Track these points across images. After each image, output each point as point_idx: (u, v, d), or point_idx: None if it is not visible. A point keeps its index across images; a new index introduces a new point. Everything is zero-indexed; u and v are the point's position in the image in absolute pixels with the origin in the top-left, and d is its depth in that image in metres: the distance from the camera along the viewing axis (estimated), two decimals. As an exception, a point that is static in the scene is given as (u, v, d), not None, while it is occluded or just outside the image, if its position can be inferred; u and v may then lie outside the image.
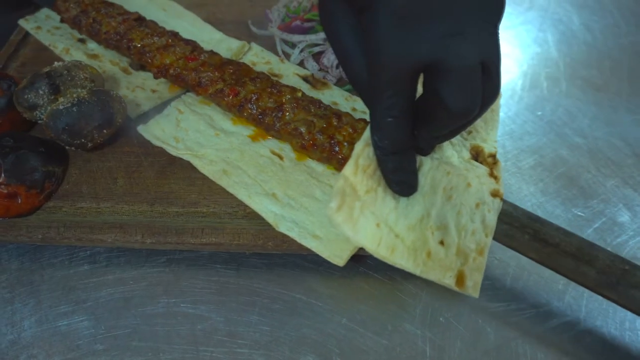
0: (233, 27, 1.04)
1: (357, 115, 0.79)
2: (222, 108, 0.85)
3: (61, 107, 0.76)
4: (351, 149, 0.71)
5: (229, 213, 0.73)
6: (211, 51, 0.90)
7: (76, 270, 0.74)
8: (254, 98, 0.79)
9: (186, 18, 1.02)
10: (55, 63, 0.80)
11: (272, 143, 0.80)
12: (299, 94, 0.80)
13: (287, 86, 0.81)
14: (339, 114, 0.76)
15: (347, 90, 0.88)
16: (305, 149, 0.76)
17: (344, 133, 0.73)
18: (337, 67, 0.91)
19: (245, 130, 0.82)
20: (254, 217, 0.72)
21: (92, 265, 0.75)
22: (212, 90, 0.83)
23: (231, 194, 0.75)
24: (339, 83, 0.91)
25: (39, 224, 0.72)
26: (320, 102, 0.79)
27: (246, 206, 0.73)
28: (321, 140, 0.74)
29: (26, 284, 0.73)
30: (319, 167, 0.77)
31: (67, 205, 0.75)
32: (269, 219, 0.70)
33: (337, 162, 0.74)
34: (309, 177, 0.75)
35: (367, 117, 0.79)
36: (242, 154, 0.78)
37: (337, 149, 0.73)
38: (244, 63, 0.86)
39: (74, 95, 0.77)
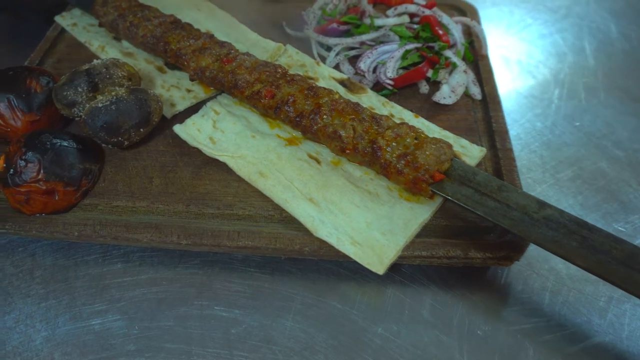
0: (267, 28, 1.03)
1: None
2: (258, 110, 0.84)
3: (100, 105, 0.76)
4: (394, 154, 0.71)
5: (265, 217, 0.73)
6: (247, 53, 0.90)
7: (110, 268, 0.74)
8: (291, 100, 0.79)
9: (221, 18, 1.02)
10: (95, 61, 0.80)
11: (309, 146, 0.79)
12: (336, 96, 0.79)
13: (324, 88, 0.80)
14: (378, 118, 0.75)
15: (383, 95, 0.87)
16: (345, 152, 0.75)
17: (387, 138, 0.72)
18: (373, 72, 0.90)
19: (282, 133, 0.81)
20: (290, 221, 0.72)
21: (126, 264, 0.75)
22: (248, 92, 0.82)
23: (267, 197, 0.74)
24: (375, 88, 0.90)
25: (75, 221, 0.72)
26: (357, 104, 0.78)
27: (282, 210, 0.73)
28: (363, 145, 0.73)
29: (60, 281, 0.73)
30: (356, 172, 0.76)
31: (102, 203, 0.75)
32: (307, 223, 0.69)
33: (380, 166, 0.72)
34: (347, 182, 0.74)
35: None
36: (279, 156, 0.77)
37: (379, 153, 0.72)
38: (280, 65, 0.85)
39: (113, 94, 0.77)
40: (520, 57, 1.08)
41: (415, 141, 0.72)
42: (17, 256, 0.76)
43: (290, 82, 0.81)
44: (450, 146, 0.72)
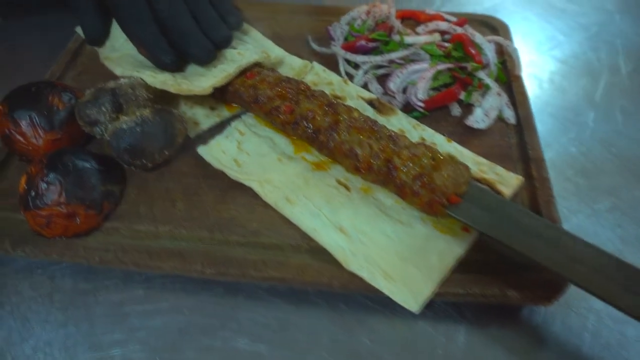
0: (292, 43, 1.00)
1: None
2: (276, 126, 0.82)
3: (124, 126, 0.73)
4: (410, 174, 0.68)
5: (293, 246, 0.70)
6: (271, 69, 0.87)
7: (130, 294, 0.72)
8: (310, 116, 0.76)
9: (247, 32, 0.99)
10: (121, 80, 0.78)
11: (337, 172, 0.76)
12: (355, 114, 0.77)
13: (344, 105, 0.78)
14: (394, 136, 0.73)
15: (413, 117, 0.84)
16: (359, 170, 0.73)
17: (403, 157, 0.70)
18: (403, 92, 0.87)
19: (309, 157, 0.78)
20: (318, 251, 0.69)
21: (147, 290, 0.72)
22: (268, 107, 0.80)
23: (294, 225, 0.71)
24: (405, 109, 0.87)
25: (97, 245, 0.70)
26: (375, 122, 0.76)
27: (310, 239, 0.70)
28: (378, 164, 0.71)
29: (80, 306, 0.71)
30: (387, 200, 0.73)
31: (124, 227, 0.73)
32: (338, 255, 0.67)
33: (395, 186, 0.70)
34: (378, 210, 0.71)
35: (438, 148, 0.76)
36: (306, 181, 0.75)
37: (394, 173, 0.69)
38: (302, 81, 0.83)
39: (137, 114, 0.75)
40: (552, 76, 1.05)
41: (432, 162, 0.69)
42: (36, 278, 0.74)
43: (310, 98, 0.79)
44: (467, 168, 0.70)
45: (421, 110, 0.84)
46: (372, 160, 0.71)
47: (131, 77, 0.79)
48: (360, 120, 0.76)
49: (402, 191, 0.70)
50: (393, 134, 0.74)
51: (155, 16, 0.84)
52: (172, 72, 0.84)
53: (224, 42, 0.87)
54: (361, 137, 0.73)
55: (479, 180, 0.75)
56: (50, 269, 0.75)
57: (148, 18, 0.83)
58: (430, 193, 0.67)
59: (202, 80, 0.81)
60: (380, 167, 0.71)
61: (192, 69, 0.85)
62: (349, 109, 0.77)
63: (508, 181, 0.74)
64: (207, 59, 0.83)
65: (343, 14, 1.04)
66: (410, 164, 0.70)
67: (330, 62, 0.96)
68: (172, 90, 0.78)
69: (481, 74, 0.87)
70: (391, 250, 0.67)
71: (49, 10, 1.19)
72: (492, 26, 1.04)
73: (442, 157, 0.70)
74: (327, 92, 0.87)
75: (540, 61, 1.09)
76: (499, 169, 0.76)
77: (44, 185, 0.69)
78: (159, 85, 0.79)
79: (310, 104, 0.78)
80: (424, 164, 0.69)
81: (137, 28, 0.82)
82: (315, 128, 0.76)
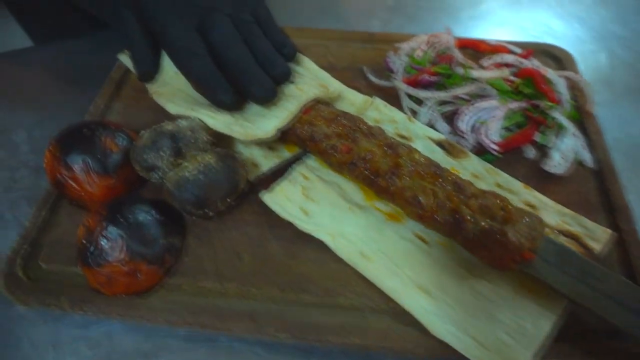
0: (346, 73, 0.95)
1: (501, 193, 0.69)
2: (331, 165, 0.77)
3: (187, 174, 0.69)
4: (479, 227, 0.63)
5: (371, 307, 0.65)
6: (325, 103, 0.82)
7: (195, 355, 0.67)
8: (368, 157, 0.71)
9: (300, 62, 0.93)
10: (179, 121, 0.73)
11: (413, 224, 0.71)
12: (416, 156, 0.72)
13: (404, 145, 0.73)
14: (460, 183, 0.68)
15: (486, 160, 0.79)
16: (423, 219, 0.68)
17: (472, 208, 0.65)
18: (473, 131, 0.82)
19: (381, 206, 0.73)
20: (399, 313, 0.64)
21: (212, 349, 0.68)
22: (323, 145, 0.75)
23: (370, 283, 0.67)
24: (476, 150, 0.81)
25: (160, 305, 0.66)
26: (438, 165, 0.71)
27: (388, 299, 0.65)
28: (443, 214, 0.66)
29: (142, 369, 0.66)
30: (471, 257, 0.68)
31: (187, 283, 0.68)
32: (422, 318, 0.62)
33: (462, 238, 0.65)
34: (460, 267, 0.67)
35: (513, 196, 0.71)
36: (380, 234, 0.70)
37: (462, 225, 0.64)
38: (359, 117, 0.78)
39: (199, 159, 0.70)
40: (619, 110, 0.99)
41: (503, 212, 0.64)
42: (92, 335, 0.69)
43: (368, 136, 0.74)
44: (541, 221, 0.64)
45: (496, 153, 0.79)
46: (436, 209, 0.67)
47: (189, 119, 0.75)
48: (422, 163, 0.71)
49: (470, 244, 0.65)
50: (457, 179, 0.69)
51: (211, 50, 0.79)
52: (230, 112, 0.79)
53: (283, 77, 0.82)
54: (424, 183, 0.69)
55: (563, 233, 0.70)
56: (107, 323, 0.70)
57: (203, 52, 0.78)
58: (502, 248, 0.62)
59: (265, 122, 0.77)
60: (446, 218, 0.66)
61: (251, 107, 0.80)
62: (410, 150, 0.73)
63: (597, 235, 0.69)
64: (270, 98, 0.78)
65: (397, 41, 0.99)
66: (479, 216, 0.65)
67: (388, 96, 0.91)
68: (240, 137, 0.74)
69: (555, 113, 0.82)
70: (479, 314, 0.62)
71: (81, 36, 1.15)
72: (555, 56, 0.99)
73: (512, 208, 0.65)
74: (391, 130, 0.82)
75: (602, 92, 1.03)
76: (586, 222, 0.71)
77: (104, 241, 0.65)
78: (221, 129, 0.74)
79: (368, 143, 0.73)
80: (494, 215, 0.64)
81: (193, 63, 0.78)
82: (374, 170, 0.71)
